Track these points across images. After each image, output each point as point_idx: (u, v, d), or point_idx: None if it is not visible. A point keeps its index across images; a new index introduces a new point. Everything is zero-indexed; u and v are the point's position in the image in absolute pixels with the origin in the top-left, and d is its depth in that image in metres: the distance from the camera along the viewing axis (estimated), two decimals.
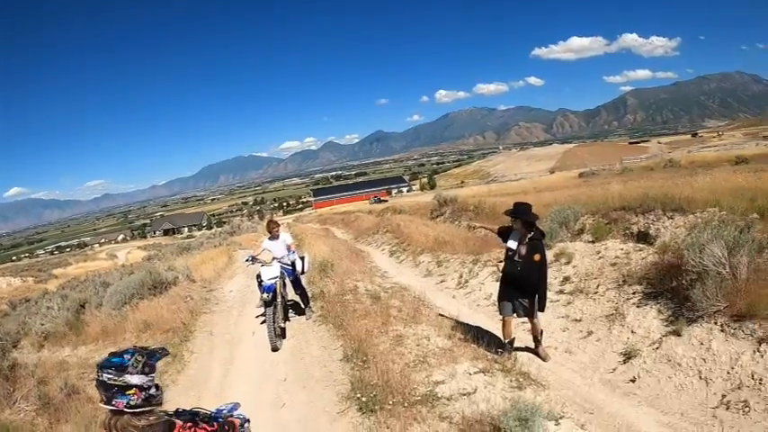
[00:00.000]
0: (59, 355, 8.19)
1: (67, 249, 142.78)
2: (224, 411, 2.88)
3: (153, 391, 2.11)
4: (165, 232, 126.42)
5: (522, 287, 5.42)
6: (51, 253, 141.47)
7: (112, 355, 2.12)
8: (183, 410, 2.65)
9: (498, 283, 5.84)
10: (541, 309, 5.55)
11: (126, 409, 2.05)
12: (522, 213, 5.32)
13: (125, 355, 2.09)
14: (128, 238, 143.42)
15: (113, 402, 2.03)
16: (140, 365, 2.07)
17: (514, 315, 5.63)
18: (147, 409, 2.09)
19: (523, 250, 5.29)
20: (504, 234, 5.64)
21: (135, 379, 2.04)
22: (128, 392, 2.03)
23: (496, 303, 5.95)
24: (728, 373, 4.33)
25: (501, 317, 5.77)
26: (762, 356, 4.18)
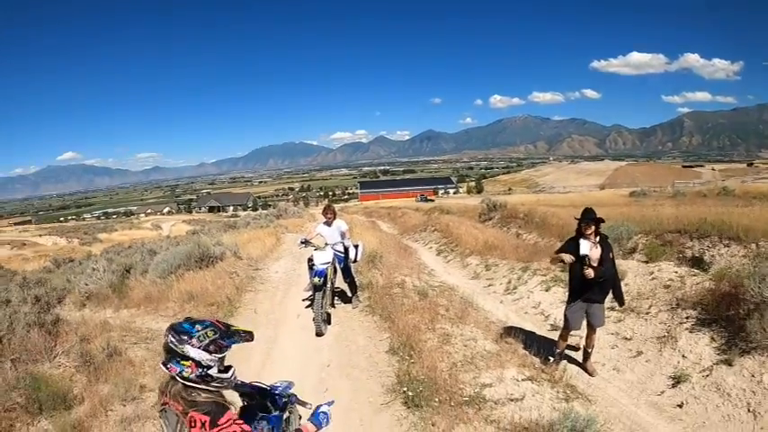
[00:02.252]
0: (101, 316, 8.07)
1: (114, 216, 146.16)
2: (279, 389, 2.95)
3: (214, 371, 1.98)
4: (210, 209, 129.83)
5: (604, 289, 5.39)
6: (98, 218, 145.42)
7: (187, 320, 2.06)
8: (243, 382, 2.65)
9: (568, 293, 5.66)
10: (623, 302, 5.76)
11: (178, 378, 1.97)
12: (594, 215, 5.23)
13: (197, 325, 2.00)
14: (173, 211, 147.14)
15: (168, 366, 1.97)
16: (207, 341, 1.96)
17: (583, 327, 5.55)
18: (200, 386, 1.97)
19: (597, 253, 5.19)
20: (565, 250, 5.44)
21: (193, 352, 1.94)
22: (183, 362, 1.95)
23: (565, 315, 5.69)
24: None
25: (567, 330, 5.70)
26: None
